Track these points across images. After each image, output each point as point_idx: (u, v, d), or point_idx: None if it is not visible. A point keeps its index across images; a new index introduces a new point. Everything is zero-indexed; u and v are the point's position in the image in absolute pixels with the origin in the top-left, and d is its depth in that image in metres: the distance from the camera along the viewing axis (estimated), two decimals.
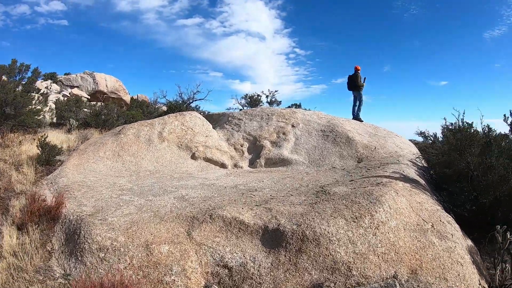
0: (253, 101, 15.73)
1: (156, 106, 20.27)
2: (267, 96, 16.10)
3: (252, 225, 4.26)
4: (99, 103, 16.30)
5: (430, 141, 14.59)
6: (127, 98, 26.27)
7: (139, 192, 5.91)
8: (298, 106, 15.17)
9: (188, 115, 10.40)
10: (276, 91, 16.05)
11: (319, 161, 8.53)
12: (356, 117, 11.60)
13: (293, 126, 9.82)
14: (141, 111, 18.04)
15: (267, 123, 10.04)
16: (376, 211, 4.33)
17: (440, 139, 9.06)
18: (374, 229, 4.14)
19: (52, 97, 17.03)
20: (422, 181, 6.89)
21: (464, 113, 8.04)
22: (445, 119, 8.53)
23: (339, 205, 4.53)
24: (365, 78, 11.91)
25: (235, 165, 8.99)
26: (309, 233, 3.94)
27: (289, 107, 14.94)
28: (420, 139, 13.39)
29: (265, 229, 4.19)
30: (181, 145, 9.11)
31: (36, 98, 11.34)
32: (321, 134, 9.39)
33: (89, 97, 21.52)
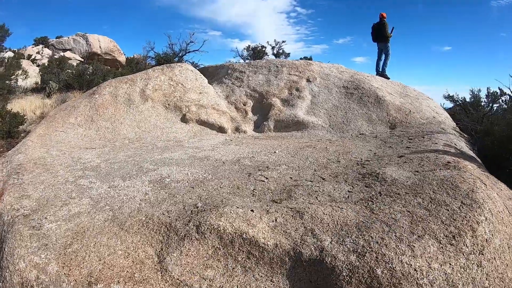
0: (256, 53, 13.57)
1: (147, 62, 18.02)
2: (273, 48, 13.89)
3: (271, 247, 2.55)
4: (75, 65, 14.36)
5: (459, 108, 12.75)
6: (122, 58, 25.49)
7: (106, 172, 4.22)
8: (308, 59, 13.14)
9: (177, 67, 8.50)
10: (283, 41, 13.88)
11: (342, 125, 6.80)
12: (381, 73, 9.71)
13: (308, 80, 7.94)
14: (130, 68, 16.00)
15: (276, 77, 8.14)
16: (477, 222, 2.62)
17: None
18: (478, 254, 2.45)
19: (45, 62, 15.39)
20: (479, 160, 5.31)
21: None
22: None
23: (414, 207, 2.83)
24: (393, 28, 9.89)
25: (237, 129, 7.31)
26: (382, 273, 2.22)
27: (299, 60, 13.01)
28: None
29: (296, 257, 2.47)
30: (168, 105, 7.37)
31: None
32: (343, 92, 7.56)
33: (82, 60, 20.17)
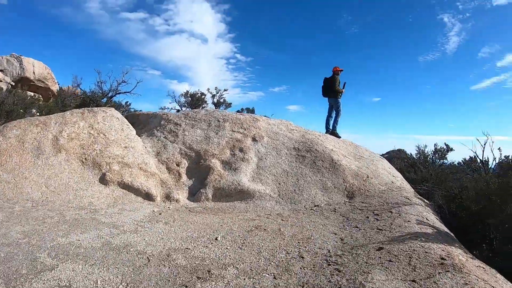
0: (194, 101, 12.44)
1: (73, 97, 16.05)
2: (213, 96, 12.84)
3: None
4: (5, 88, 12.34)
5: (406, 165, 12.49)
6: (55, 88, 22.93)
7: None
8: (251, 111, 12.13)
9: (101, 113, 7.22)
10: (225, 90, 12.89)
11: (293, 195, 5.86)
12: (332, 131, 9.05)
13: (254, 139, 6.99)
14: (56, 103, 14.15)
15: (216, 133, 7.10)
16: None
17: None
18: None
19: None
20: (457, 240, 4.70)
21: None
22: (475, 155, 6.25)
23: None
24: (345, 83, 9.37)
25: (168, 197, 6.10)
26: None
27: (238, 111, 11.92)
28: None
29: None
30: (86, 159, 6.14)
31: None
32: (294, 154, 6.68)
33: (13, 84, 18.26)
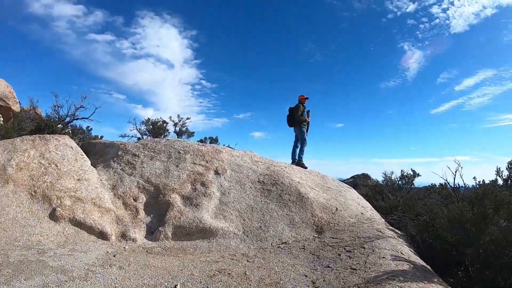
0: (156, 129, 11.90)
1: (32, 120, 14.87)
2: (175, 124, 12.34)
3: None
4: None
5: (372, 191, 12.39)
6: (16, 107, 21.42)
7: None
8: (214, 141, 11.68)
9: (53, 141, 6.66)
10: (188, 118, 12.45)
11: (259, 232, 5.49)
12: (298, 162, 8.78)
13: (217, 173, 6.58)
14: (12, 127, 13.11)
15: (177, 166, 6.65)
16: None
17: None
18: None
19: None
20: (436, 275, 4.53)
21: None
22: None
23: None
24: (308, 111, 9.21)
25: (124, 236, 5.53)
26: None
27: (201, 141, 11.43)
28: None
29: None
30: (35, 192, 5.60)
31: None
32: (259, 188, 6.33)
33: None
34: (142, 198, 6.27)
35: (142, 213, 6.07)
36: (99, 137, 12.70)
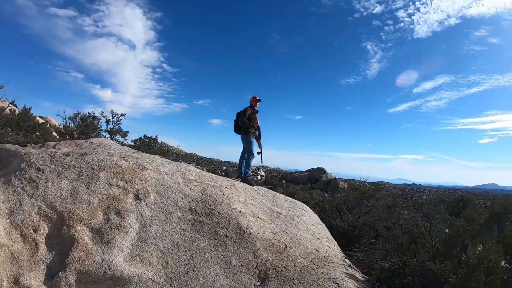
0: (84, 126, 10.24)
1: None
2: (107, 121, 10.69)
3: None
4: None
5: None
6: None
7: None
8: (151, 141, 9.86)
9: None
10: (123, 115, 10.79)
11: (186, 278, 4.38)
12: (244, 177, 7.51)
13: (137, 197, 5.26)
14: None
15: (88, 187, 5.26)
16: None
17: None
18: None
19: None
20: None
21: None
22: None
23: None
24: (253, 112, 7.86)
25: (16, 281, 4.31)
26: None
27: (135, 142, 9.72)
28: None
29: None
30: None
31: None
32: (190, 219, 5.10)
33: None
34: (44, 228, 4.88)
35: (42, 249, 4.72)
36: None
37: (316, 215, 7.68)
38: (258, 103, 7.92)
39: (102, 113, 11.13)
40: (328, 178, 43.59)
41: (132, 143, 10.10)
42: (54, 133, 11.87)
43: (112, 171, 5.49)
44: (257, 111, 7.93)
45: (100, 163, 5.59)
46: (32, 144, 7.90)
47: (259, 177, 51.86)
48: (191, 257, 4.56)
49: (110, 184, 5.28)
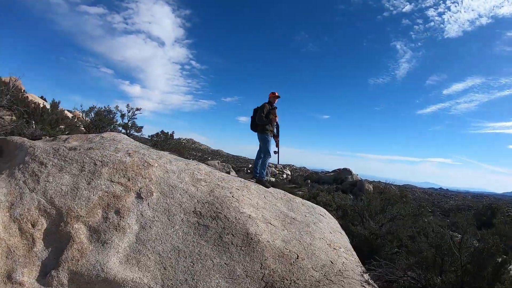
0: (99, 120, 10.05)
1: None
2: (122, 116, 10.47)
3: None
4: None
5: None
6: None
7: None
8: (168, 137, 9.54)
9: None
10: (138, 109, 10.56)
11: (184, 287, 3.85)
12: (259, 178, 7.03)
13: (139, 196, 4.94)
14: None
15: (89, 183, 4.99)
16: None
17: None
18: None
19: None
20: None
21: None
22: None
23: None
24: (271, 108, 7.34)
25: (9, 277, 4.16)
26: None
27: (151, 138, 9.40)
28: None
29: None
30: None
31: None
32: (193, 222, 4.72)
33: None
34: (42, 224, 4.67)
35: (39, 245, 4.52)
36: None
37: (336, 221, 7.17)
38: (277, 99, 7.43)
39: (117, 107, 10.95)
40: (354, 179, 42.66)
41: (149, 138, 9.87)
42: (82, 127, 11.80)
43: (115, 167, 5.20)
44: (276, 108, 7.42)
45: (103, 159, 5.32)
46: (47, 137, 7.77)
47: (284, 175, 51.70)
48: (192, 264, 4.19)
49: (112, 181, 4.98)
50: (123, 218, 4.58)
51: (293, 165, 70.14)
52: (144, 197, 4.85)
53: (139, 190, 4.93)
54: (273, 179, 44.06)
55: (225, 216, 4.72)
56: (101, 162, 5.24)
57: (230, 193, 5.33)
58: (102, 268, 4.08)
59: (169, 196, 4.94)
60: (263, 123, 7.14)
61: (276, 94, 7.40)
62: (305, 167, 71.31)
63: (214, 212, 4.76)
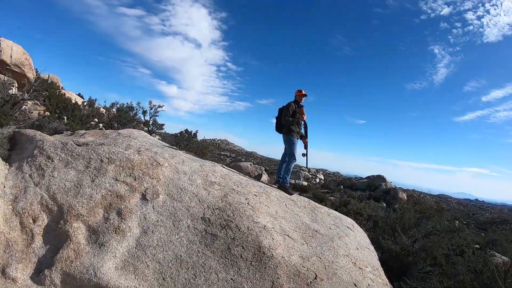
0: (121, 117, 9.83)
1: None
2: (144, 112, 10.22)
3: None
4: None
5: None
6: (31, 75, 21.02)
7: None
8: (190, 136, 9.08)
9: None
10: (160, 106, 10.28)
11: None
12: (281, 184, 6.48)
13: (144, 197, 4.55)
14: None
15: (93, 180, 4.66)
16: None
17: None
18: None
19: None
20: None
21: None
22: None
23: None
24: (297, 107, 6.72)
25: (3, 272, 3.95)
26: None
27: (175, 136, 8.97)
28: None
29: None
30: None
31: None
32: (200, 230, 4.26)
33: None
34: (43, 219, 4.41)
35: (38, 241, 4.25)
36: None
37: (365, 235, 6.52)
38: (304, 98, 6.81)
39: (138, 103, 10.72)
40: (388, 187, 41.83)
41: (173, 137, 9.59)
42: (116, 124, 11.80)
43: (121, 165, 4.83)
44: (303, 107, 6.77)
45: (110, 156, 4.96)
46: (69, 131, 7.64)
47: (317, 180, 51.19)
48: (194, 276, 3.73)
49: (117, 180, 4.61)
50: (125, 220, 4.19)
51: (326, 170, 69.61)
52: (149, 199, 4.44)
53: (145, 191, 4.52)
54: (305, 183, 43.77)
55: (236, 225, 4.22)
56: (108, 159, 4.89)
57: (246, 199, 4.84)
58: (95, 273, 3.70)
59: (176, 199, 4.51)
60: (289, 123, 6.55)
61: (303, 92, 6.78)
62: (338, 172, 70.67)
63: (225, 220, 4.27)
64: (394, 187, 42.46)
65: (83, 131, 6.72)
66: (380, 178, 44.74)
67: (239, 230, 4.19)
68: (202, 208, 4.44)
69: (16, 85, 20.21)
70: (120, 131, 6.56)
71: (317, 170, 61.04)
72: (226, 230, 4.17)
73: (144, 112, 10.10)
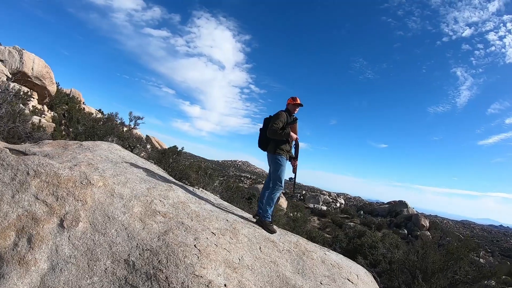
0: (95, 128, 9.05)
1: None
2: (122, 124, 9.40)
3: None
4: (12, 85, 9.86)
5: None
6: (52, 88, 22.57)
7: None
8: (176, 153, 8.05)
9: None
10: (140, 118, 9.51)
11: None
12: (260, 219, 5.32)
13: (61, 224, 3.63)
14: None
15: (13, 196, 3.82)
16: None
17: None
18: None
19: None
20: None
21: None
22: None
23: None
24: (291, 121, 5.29)
25: None
26: None
27: (163, 154, 7.98)
28: None
29: None
30: None
31: None
32: (120, 277, 3.32)
33: (10, 76, 17.48)
34: None
35: None
36: None
37: (374, 285, 5.29)
38: (298, 108, 5.47)
39: (116, 114, 10.05)
40: (410, 213, 42.25)
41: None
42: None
43: (47, 180, 3.94)
44: (296, 119, 5.40)
45: (38, 168, 4.06)
46: (49, 140, 7.35)
47: (338, 204, 50.60)
48: None
49: (37, 198, 3.74)
50: (33, 250, 3.31)
51: (347, 194, 69.18)
52: (66, 226, 3.52)
53: (64, 216, 3.61)
54: (325, 208, 43.53)
55: (166, 277, 3.16)
56: (35, 171, 4.01)
57: (195, 239, 3.78)
58: None
59: (99, 231, 3.56)
60: (278, 137, 5.07)
61: (298, 101, 5.42)
62: (360, 197, 70.27)
63: (153, 268, 3.24)
64: (416, 213, 42.41)
65: (49, 141, 6.01)
66: (402, 204, 44.83)
67: (169, 285, 3.14)
68: (129, 247, 3.43)
69: (37, 97, 20.75)
70: (84, 142, 5.81)
71: (338, 194, 60.62)
72: (151, 283, 3.12)
73: (122, 124, 9.29)
